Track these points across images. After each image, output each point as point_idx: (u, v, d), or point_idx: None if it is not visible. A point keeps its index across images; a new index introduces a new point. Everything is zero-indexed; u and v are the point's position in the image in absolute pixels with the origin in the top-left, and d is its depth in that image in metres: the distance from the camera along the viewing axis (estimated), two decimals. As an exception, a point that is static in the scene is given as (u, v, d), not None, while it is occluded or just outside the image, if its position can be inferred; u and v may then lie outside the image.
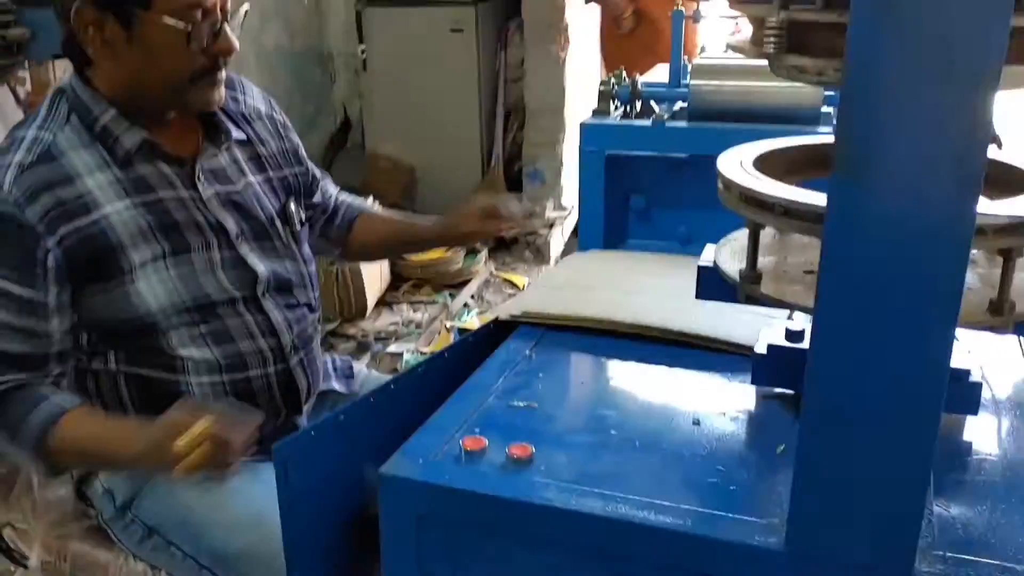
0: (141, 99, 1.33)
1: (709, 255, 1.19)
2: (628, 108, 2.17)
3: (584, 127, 2.04)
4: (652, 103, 2.21)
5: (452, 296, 4.18)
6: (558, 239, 4.72)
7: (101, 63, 1.31)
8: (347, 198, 1.73)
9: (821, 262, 0.81)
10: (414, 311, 4.05)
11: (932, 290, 0.77)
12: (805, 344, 1.18)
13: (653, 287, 1.51)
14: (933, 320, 0.78)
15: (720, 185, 1.13)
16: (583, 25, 4.65)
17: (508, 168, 4.79)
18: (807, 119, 2.00)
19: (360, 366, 1.73)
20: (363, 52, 4.77)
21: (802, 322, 1.22)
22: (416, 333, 3.81)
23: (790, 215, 1.00)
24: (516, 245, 4.67)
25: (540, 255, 4.61)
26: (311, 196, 1.62)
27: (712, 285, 1.16)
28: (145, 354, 1.36)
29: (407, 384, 1.26)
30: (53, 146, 1.29)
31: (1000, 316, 0.97)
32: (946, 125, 0.73)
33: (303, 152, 1.59)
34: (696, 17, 2.48)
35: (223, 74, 1.35)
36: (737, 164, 1.13)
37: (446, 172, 4.75)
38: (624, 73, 2.25)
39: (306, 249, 1.55)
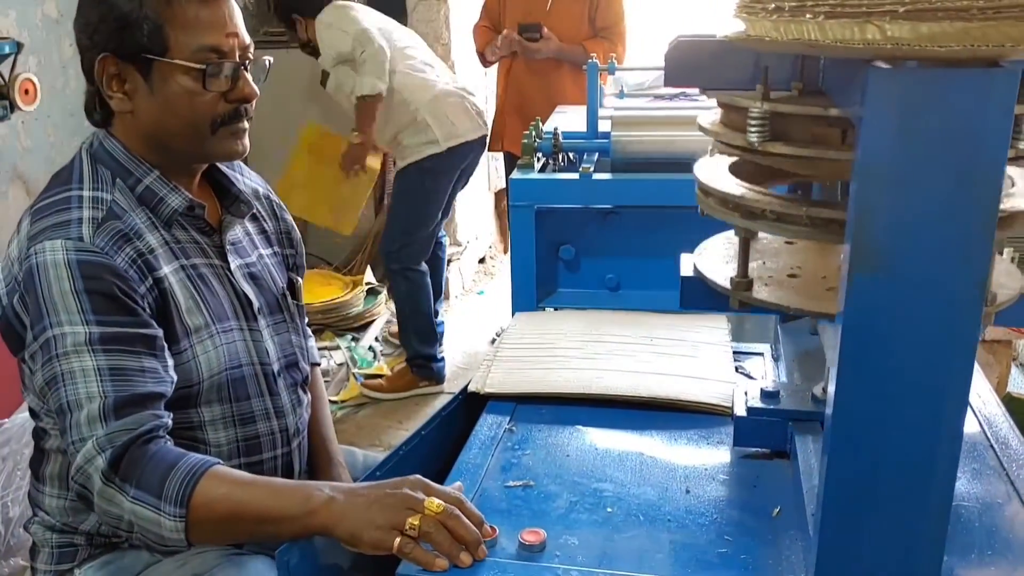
0: (164, 151, 1.31)
1: (688, 266, 1.20)
2: (550, 160, 2.21)
3: (513, 182, 2.06)
4: (571, 154, 2.27)
5: (355, 339, 4.13)
6: (456, 276, 4.73)
7: (124, 116, 1.30)
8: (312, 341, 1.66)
9: (839, 345, 0.86)
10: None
11: (946, 371, 0.83)
12: (781, 404, 1.24)
13: (612, 350, 1.55)
14: (948, 395, 0.84)
15: (701, 194, 1.13)
16: (468, 62, 4.69)
17: (400, 206, 4.77)
18: (724, 166, 2.09)
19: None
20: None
21: (772, 383, 1.28)
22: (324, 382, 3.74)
23: (783, 221, 1.02)
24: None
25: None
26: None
27: (697, 294, 1.17)
28: (170, 434, 1.30)
29: (393, 468, 1.25)
30: (114, 204, 1.27)
31: (985, 306, 1.01)
32: (956, 220, 0.79)
33: (296, 235, 1.57)
34: (611, 69, 2.55)
35: (246, 123, 1.33)
36: (719, 173, 1.13)
37: (338, 212, 4.70)
38: (541, 124, 2.29)
39: (305, 324, 1.56)
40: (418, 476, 1.11)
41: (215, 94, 1.28)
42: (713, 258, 1.20)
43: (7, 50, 3.08)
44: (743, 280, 1.08)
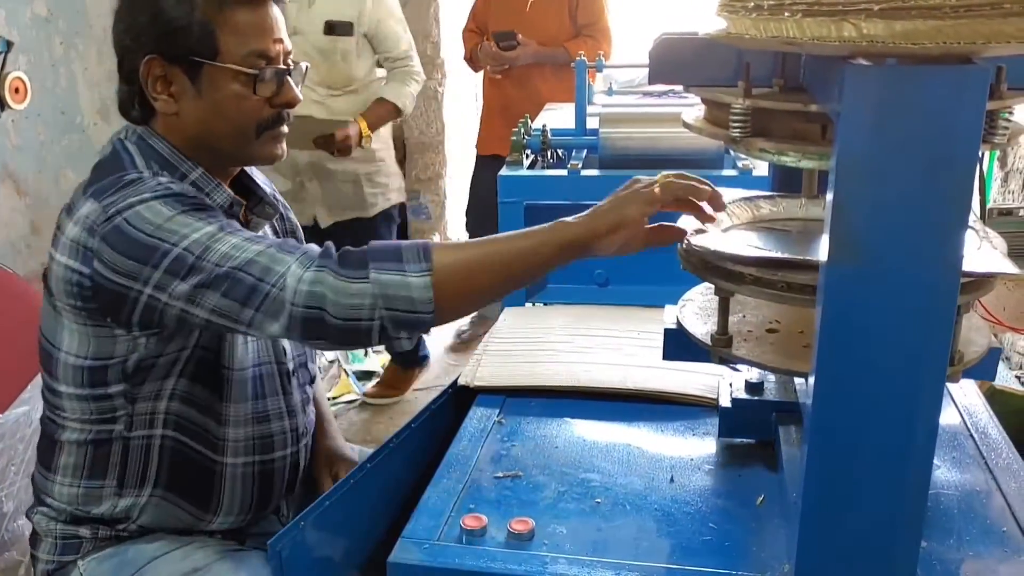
0: (207, 152, 1.33)
1: (672, 317, 1.25)
2: (539, 157, 2.23)
3: (502, 179, 2.08)
4: (560, 151, 2.29)
5: (346, 337, 4.14)
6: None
7: (167, 116, 1.31)
8: None
9: (818, 335, 0.88)
10: (309, 356, 3.99)
11: (922, 357, 0.85)
12: (766, 396, 1.27)
13: (601, 344, 1.57)
14: (924, 384, 0.86)
15: (682, 253, 1.18)
16: (460, 61, 4.70)
17: (391, 203, 4.79)
18: (711, 162, 2.11)
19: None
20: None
21: (757, 374, 1.30)
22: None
23: (760, 284, 1.07)
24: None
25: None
26: None
27: (679, 346, 1.22)
28: (196, 426, 1.34)
29: (383, 461, 1.27)
30: (172, 185, 1.26)
31: (952, 366, 1.06)
32: (931, 212, 0.81)
33: (300, 234, 1.59)
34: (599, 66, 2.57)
35: (286, 128, 1.35)
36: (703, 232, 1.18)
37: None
38: (530, 121, 2.31)
39: None
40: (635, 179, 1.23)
41: (261, 99, 1.30)
42: (695, 311, 1.25)
43: (-3, 48, 3.09)
44: (723, 337, 1.13)
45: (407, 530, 1.10)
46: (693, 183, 1.18)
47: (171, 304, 1.17)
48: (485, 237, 1.19)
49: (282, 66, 1.31)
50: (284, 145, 1.37)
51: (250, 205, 1.43)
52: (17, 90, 3.21)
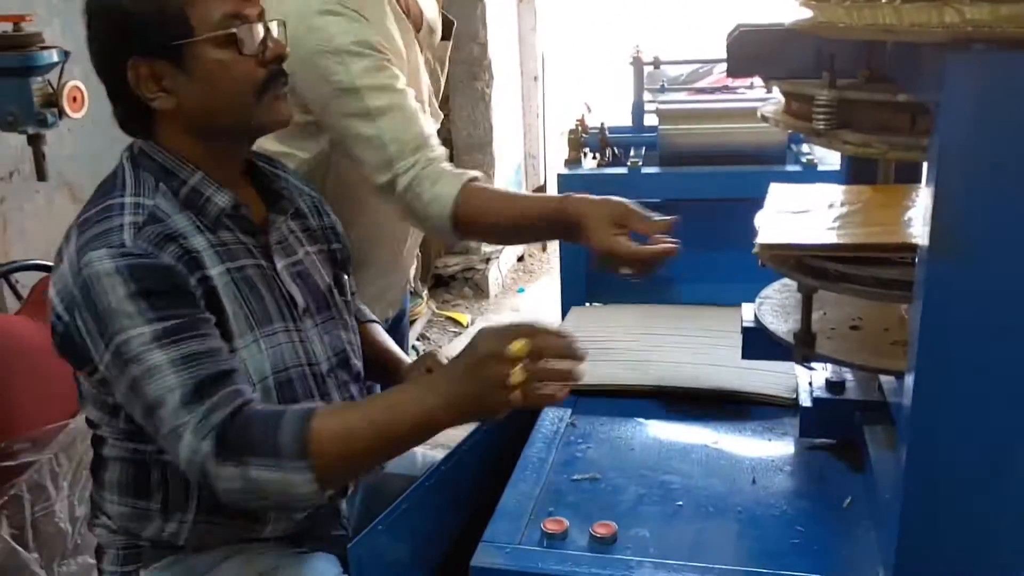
0: (212, 140, 1.30)
1: (750, 315, 1.22)
2: (598, 155, 2.20)
3: (561, 177, 2.06)
4: (616, 149, 2.26)
5: (397, 339, 4.16)
6: (496, 274, 4.74)
7: (167, 115, 1.28)
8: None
9: (916, 332, 0.85)
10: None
11: (1028, 356, 0.82)
12: (848, 394, 1.24)
13: (667, 343, 1.55)
14: (1030, 385, 0.83)
15: (763, 248, 1.15)
16: (506, 62, 4.71)
17: (438, 205, 4.80)
18: (773, 157, 2.07)
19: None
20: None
21: (834, 372, 1.27)
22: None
23: (848, 280, 1.04)
24: (455, 282, 4.68)
25: (480, 291, 4.63)
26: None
27: (759, 345, 1.19)
28: None
29: (455, 465, 1.26)
30: (156, 209, 1.25)
31: None
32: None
33: (341, 229, 1.57)
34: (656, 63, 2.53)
35: (285, 84, 1.32)
36: (783, 228, 1.15)
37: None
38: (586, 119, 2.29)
39: (354, 320, 1.54)
40: (482, 331, 1.09)
41: (251, 60, 1.27)
42: (774, 309, 1.22)
43: (56, 59, 3.12)
44: (806, 336, 1.10)
45: (487, 534, 1.09)
46: (557, 345, 1.05)
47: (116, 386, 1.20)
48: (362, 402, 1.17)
49: (259, 23, 1.27)
50: (289, 103, 1.33)
51: (268, 202, 1.40)
52: (75, 99, 3.25)
